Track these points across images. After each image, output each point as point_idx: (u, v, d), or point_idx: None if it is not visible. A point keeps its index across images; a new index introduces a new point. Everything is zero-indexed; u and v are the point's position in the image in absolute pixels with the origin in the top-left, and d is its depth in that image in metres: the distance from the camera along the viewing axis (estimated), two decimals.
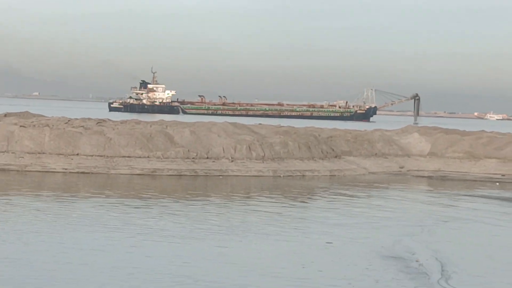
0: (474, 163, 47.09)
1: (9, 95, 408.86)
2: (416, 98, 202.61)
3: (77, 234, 20.50)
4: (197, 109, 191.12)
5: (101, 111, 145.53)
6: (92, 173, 36.91)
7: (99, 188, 31.80)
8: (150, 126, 42.45)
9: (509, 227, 26.27)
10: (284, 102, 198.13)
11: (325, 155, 44.04)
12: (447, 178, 44.17)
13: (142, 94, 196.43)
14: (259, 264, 17.89)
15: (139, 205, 27.00)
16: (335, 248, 20.13)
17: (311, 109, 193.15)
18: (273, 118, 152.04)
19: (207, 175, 38.39)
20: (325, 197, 32.13)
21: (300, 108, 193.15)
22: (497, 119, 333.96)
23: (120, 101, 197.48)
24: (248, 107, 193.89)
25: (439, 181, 42.69)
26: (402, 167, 46.58)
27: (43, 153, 37.93)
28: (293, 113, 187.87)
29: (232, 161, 40.14)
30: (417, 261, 18.69)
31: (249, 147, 41.12)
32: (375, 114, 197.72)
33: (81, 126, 40.31)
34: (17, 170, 36.54)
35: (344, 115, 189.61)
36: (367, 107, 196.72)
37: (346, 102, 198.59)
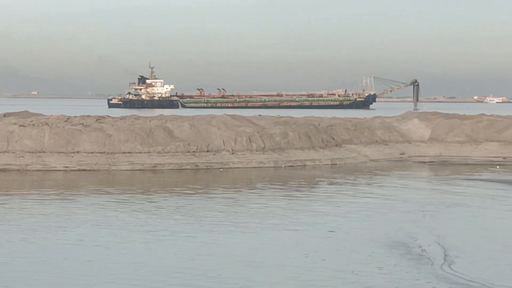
0: (475, 147, 47.11)
1: (8, 95, 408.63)
2: (415, 84, 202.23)
3: (81, 231, 20.55)
4: (196, 102, 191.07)
5: (100, 108, 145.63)
6: (93, 170, 36.94)
7: (101, 185, 31.83)
8: (150, 121, 42.45)
9: None
10: (283, 93, 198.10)
11: (326, 144, 44.04)
12: (448, 163, 44.19)
13: (141, 89, 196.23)
14: (262, 255, 17.92)
15: (142, 201, 27.05)
16: (337, 237, 20.18)
17: (310, 98, 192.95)
18: (272, 109, 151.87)
19: (208, 168, 38.42)
20: (326, 186, 32.16)
21: (299, 98, 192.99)
22: (496, 102, 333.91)
23: (119, 97, 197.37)
24: (247, 99, 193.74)
25: (440, 166, 42.72)
26: (403, 154, 46.59)
27: (44, 151, 37.94)
28: (293, 103, 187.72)
29: (232, 153, 40.16)
30: (419, 246, 18.72)
31: (249, 139, 41.13)
32: (375, 101, 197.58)
33: (81, 124, 40.33)
34: (18, 170, 36.57)
35: (344, 103, 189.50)
36: (366, 94, 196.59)
37: (345, 91, 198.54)
